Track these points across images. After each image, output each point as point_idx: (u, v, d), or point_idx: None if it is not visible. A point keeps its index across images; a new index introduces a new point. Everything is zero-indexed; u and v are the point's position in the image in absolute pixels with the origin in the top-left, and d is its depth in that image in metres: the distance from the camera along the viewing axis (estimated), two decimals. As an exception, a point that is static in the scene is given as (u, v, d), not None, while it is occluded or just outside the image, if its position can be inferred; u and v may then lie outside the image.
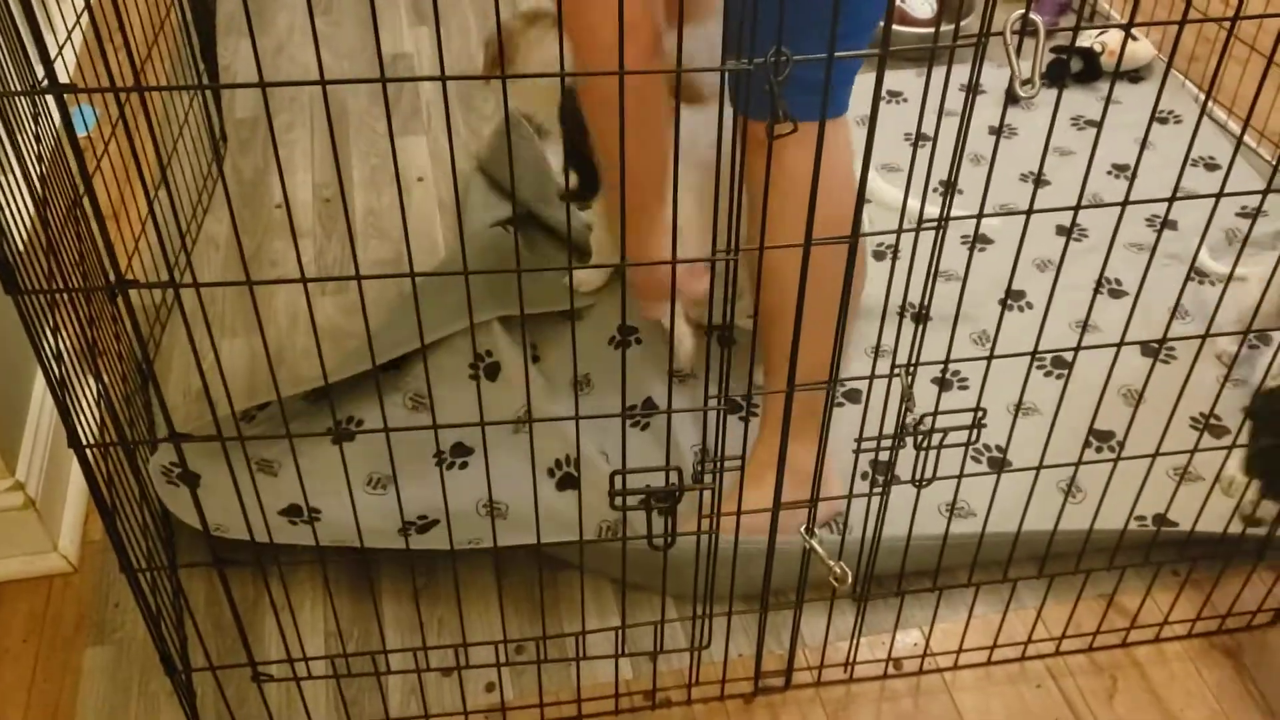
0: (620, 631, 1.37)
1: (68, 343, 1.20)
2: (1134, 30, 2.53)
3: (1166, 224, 1.18)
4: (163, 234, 0.98)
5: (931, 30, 2.59)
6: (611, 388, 1.79)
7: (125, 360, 1.60)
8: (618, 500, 1.12)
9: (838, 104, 1.37)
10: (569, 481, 1.61)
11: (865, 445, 1.19)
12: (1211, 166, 2.27)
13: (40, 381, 1.65)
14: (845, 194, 1.41)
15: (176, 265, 1.77)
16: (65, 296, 1.26)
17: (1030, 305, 1.94)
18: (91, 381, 1.33)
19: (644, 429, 1.74)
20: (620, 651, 1.43)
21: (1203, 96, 2.43)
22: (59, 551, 1.55)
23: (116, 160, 1.71)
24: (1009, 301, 1.91)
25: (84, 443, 1.04)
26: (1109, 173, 2.25)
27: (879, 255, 2.02)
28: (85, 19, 2.17)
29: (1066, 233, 2.08)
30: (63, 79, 0.86)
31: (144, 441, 1.55)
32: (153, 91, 0.83)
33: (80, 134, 1.18)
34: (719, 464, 1.17)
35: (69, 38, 1.42)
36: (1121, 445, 1.37)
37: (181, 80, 2.31)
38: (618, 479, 1.11)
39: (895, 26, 2.53)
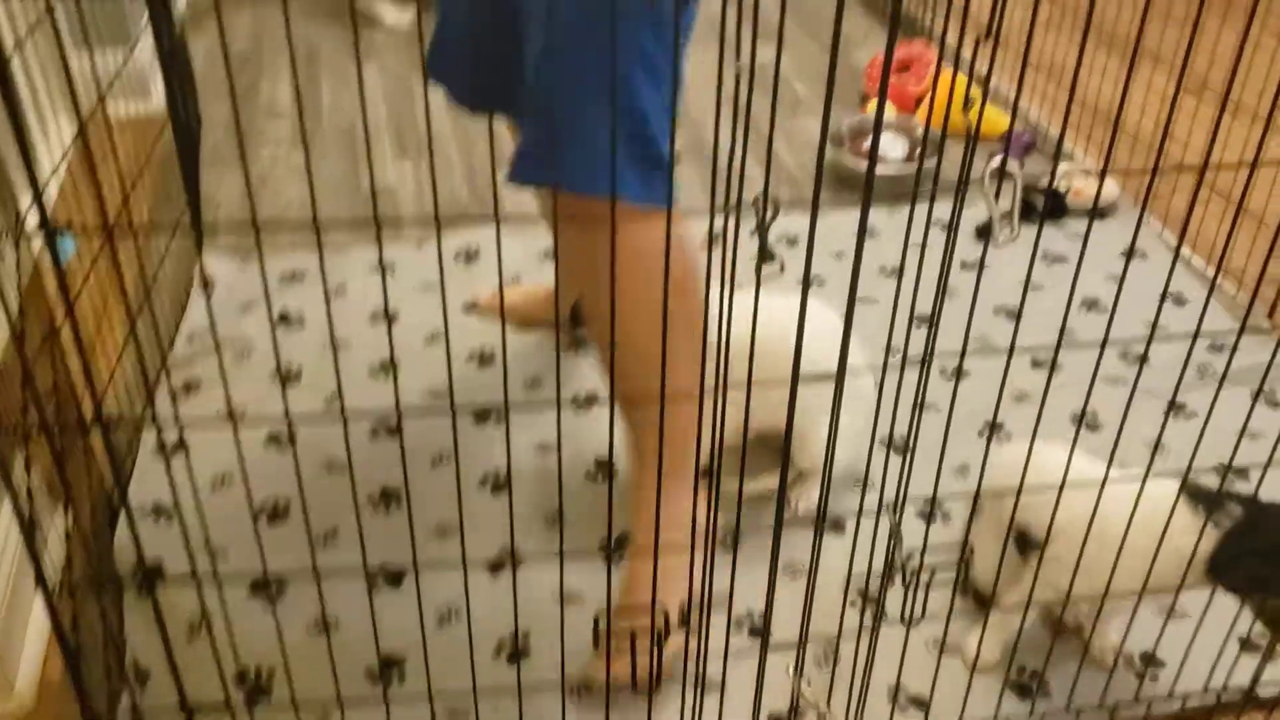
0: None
1: (39, 479, 1.18)
2: (1098, 169, 2.61)
3: (1141, 360, 1.19)
4: (147, 372, 0.96)
5: (901, 172, 2.65)
6: (585, 523, 1.77)
7: (94, 495, 1.57)
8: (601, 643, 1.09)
9: (648, 191, 1.33)
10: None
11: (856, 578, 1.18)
12: (1179, 301, 2.32)
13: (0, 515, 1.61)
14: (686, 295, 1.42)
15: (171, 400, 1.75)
16: (37, 430, 1.23)
17: (1009, 438, 1.94)
18: (58, 517, 1.30)
19: (620, 561, 1.71)
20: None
21: (1165, 231, 2.50)
22: (15, 692, 1.49)
23: (95, 291, 1.71)
24: (988, 434, 1.92)
25: (50, 584, 1.01)
26: (1080, 307, 2.28)
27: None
28: (67, 148, 2.19)
29: (1044, 366, 2.11)
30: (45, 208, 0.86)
31: (113, 582, 1.51)
32: (144, 232, 0.83)
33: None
34: (706, 605, 1.15)
35: (55, 171, 1.43)
36: (1108, 582, 1.35)
37: (165, 213, 2.33)
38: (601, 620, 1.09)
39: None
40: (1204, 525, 1.28)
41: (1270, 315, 2.23)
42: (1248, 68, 1.07)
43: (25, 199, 1.74)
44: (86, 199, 1.89)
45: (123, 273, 0.95)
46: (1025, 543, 1.45)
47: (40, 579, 0.98)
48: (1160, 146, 1.04)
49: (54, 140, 2.24)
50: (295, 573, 1.59)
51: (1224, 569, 1.29)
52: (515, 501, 1.80)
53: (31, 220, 0.84)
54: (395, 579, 1.66)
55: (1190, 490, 1.32)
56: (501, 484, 1.83)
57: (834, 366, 1.10)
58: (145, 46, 2.42)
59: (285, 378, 2.04)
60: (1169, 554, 1.29)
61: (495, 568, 1.69)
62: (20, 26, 2.22)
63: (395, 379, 0.89)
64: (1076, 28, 3.03)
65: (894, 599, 1.20)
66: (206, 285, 2.25)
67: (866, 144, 2.77)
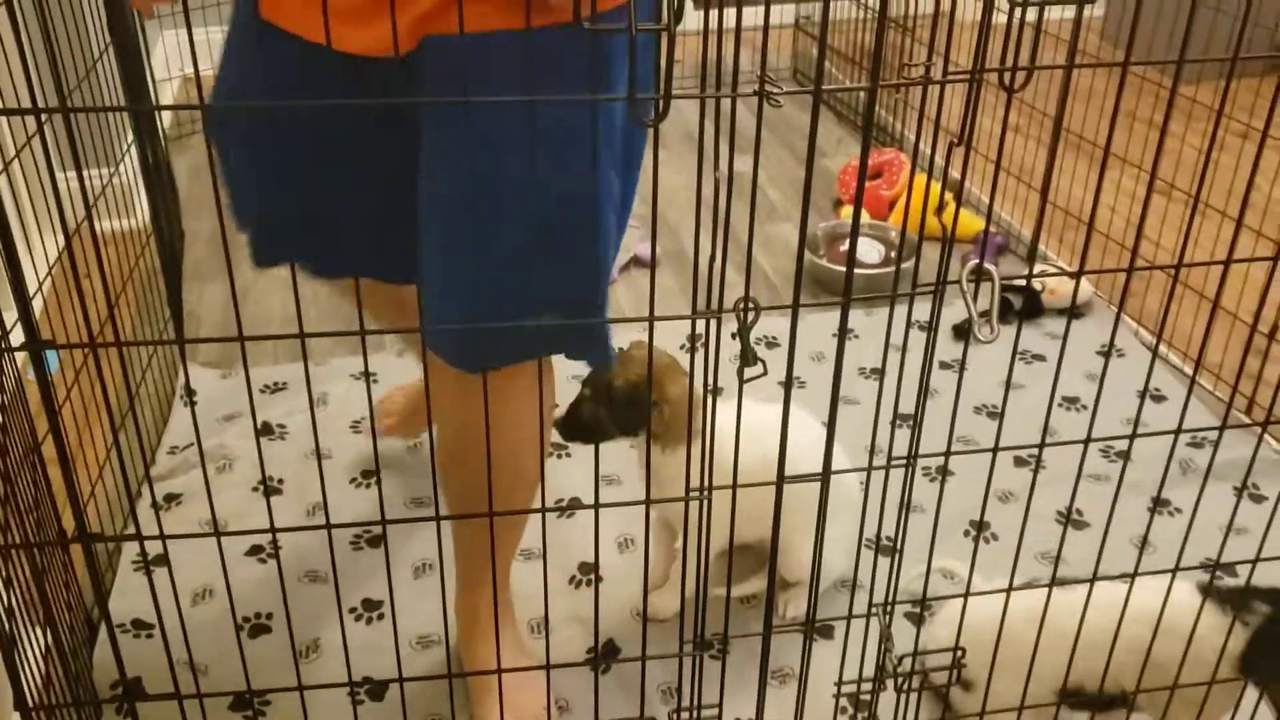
0: None
1: (18, 595, 1.16)
2: (1069, 267, 2.66)
3: (1123, 456, 1.20)
4: (130, 484, 0.96)
5: (878, 272, 2.70)
6: (569, 630, 1.75)
7: (74, 610, 1.54)
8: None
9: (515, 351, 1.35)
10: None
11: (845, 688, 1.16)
12: (1157, 397, 2.34)
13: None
14: (528, 453, 1.42)
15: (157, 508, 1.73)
16: (18, 547, 1.22)
17: (995, 537, 1.94)
18: (38, 634, 1.28)
19: (605, 671, 1.69)
20: None
21: (1141, 330, 2.53)
22: (-12, 820, 1.45)
23: (77, 404, 1.70)
24: (974, 534, 1.91)
25: (30, 704, 0.98)
26: (1060, 405, 2.30)
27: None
28: (51, 265, 2.21)
29: (1027, 465, 2.12)
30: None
31: (92, 702, 1.47)
32: (129, 346, 0.83)
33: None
34: (695, 711, 1.13)
35: (40, 288, 1.44)
36: (1100, 688, 1.34)
37: (148, 326, 2.34)
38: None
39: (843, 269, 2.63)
40: (1232, 623, 1.29)
41: (1248, 411, 2.25)
42: (1214, 168, 1.10)
43: (7, 313, 1.75)
44: (70, 313, 1.90)
45: (106, 386, 0.96)
46: (1095, 702, 1.41)
47: (19, 699, 0.96)
48: (1135, 246, 1.06)
49: (39, 255, 2.25)
50: (278, 687, 1.56)
51: (1257, 665, 1.31)
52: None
53: (17, 336, 0.84)
54: (379, 692, 1.63)
55: (1212, 589, 1.34)
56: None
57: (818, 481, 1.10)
58: (130, 164, 2.45)
59: (268, 489, 2.02)
60: (1201, 656, 1.31)
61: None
62: (9, 146, 2.25)
63: (380, 489, 0.90)
64: (1044, 132, 3.12)
65: (886, 702, 1.18)
66: (187, 397, 2.24)
67: (843, 248, 2.81)
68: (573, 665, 1.63)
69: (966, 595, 1.23)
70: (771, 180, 3.28)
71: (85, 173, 1.10)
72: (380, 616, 1.76)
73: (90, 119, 2.43)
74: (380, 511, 0.98)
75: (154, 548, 1.77)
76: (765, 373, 0.99)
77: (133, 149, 2.29)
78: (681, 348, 2.16)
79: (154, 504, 0.93)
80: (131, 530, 1.49)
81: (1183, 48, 0.95)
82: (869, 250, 2.75)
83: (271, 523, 0.98)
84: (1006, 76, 0.90)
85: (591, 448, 1.75)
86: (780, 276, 2.79)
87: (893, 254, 2.75)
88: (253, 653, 1.68)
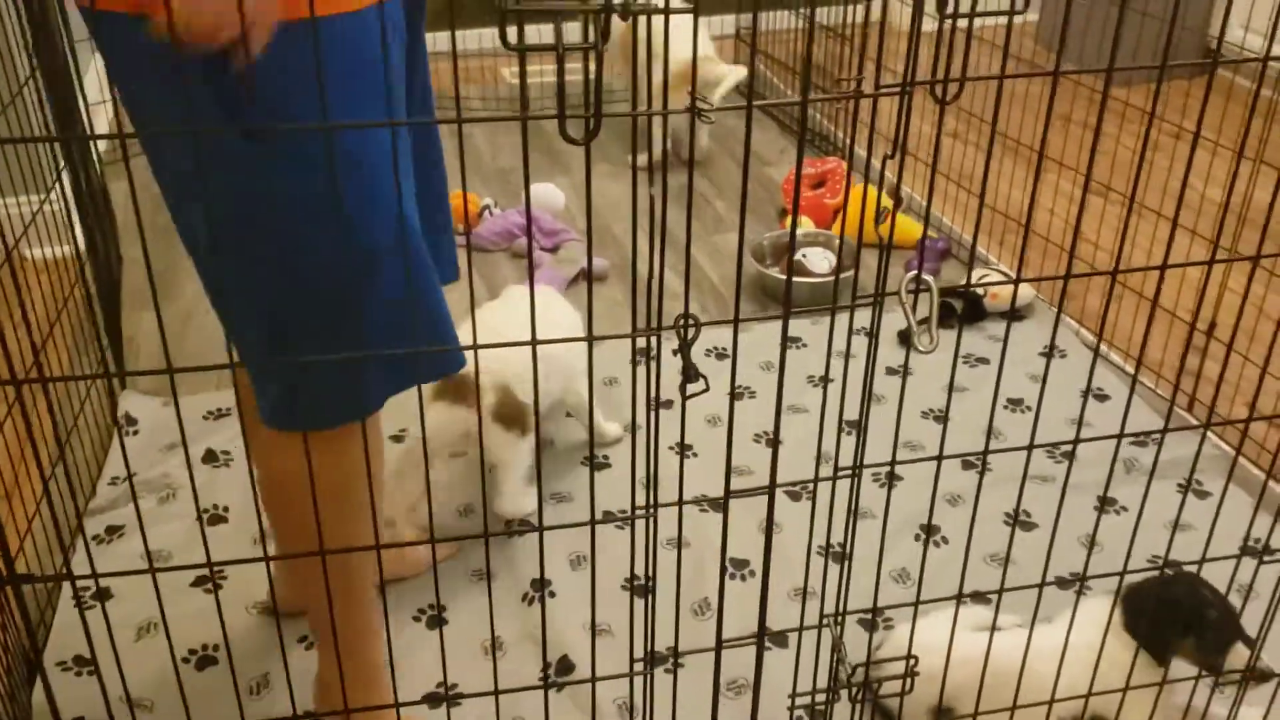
0: None
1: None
2: (1012, 271, 2.69)
3: (1069, 456, 1.20)
4: (60, 524, 0.93)
5: (823, 280, 2.70)
6: (522, 648, 1.73)
7: (12, 651, 1.50)
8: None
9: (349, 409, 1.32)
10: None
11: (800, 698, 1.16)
12: (1100, 396, 2.37)
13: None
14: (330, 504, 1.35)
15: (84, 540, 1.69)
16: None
17: (946, 540, 1.95)
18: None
19: (559, 690, 1.67)
20: None
21: (1082, 330, 2.56)
22: None
23: (12, 440, 1.66)
24: (925, 538, 1.92)
25: (-38, 752, 0.95)
26: (1005, 406, 2.32)
27: (794, 496, 2.03)
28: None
29: (974, 468, 2.13)
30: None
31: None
32: (57, 382, 0.81)
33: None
34: (650, 730, 1.12)
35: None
36: (1053, 688, 1.35)
37: (83, 358, 2.29)
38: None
39: (795, 279, 2.64)
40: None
41: (1189, 407, 2.28)
42: (1149, 169, 1.11)
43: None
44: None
45: (34, 428, 0.93)
46: None
47: (-52, 749, 0.93)
48: (1071, 250, 1.07)
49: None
50: (225, 722, 1.53)
51: (1138, 625, 1.41)
52: (451, 631, 1.76)
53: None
54: (330, 723, 1.60)
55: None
56: (436, 616, 1.79)
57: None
58: (62, 191, 2.40)
59: (213, 518, 1.98)
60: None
61: (433, 704, 1.64)
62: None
63: (320, 514, 0.88)
64: (981, 137, 3.15)
65: (841, 712, 1.18)
66: (123, 427, 2.20)
67: (796, 258, 2.82)
68: (525, 690, 1.61)
69: (918, 602, 1.23)
70: (718, 192, 3.29)
71: (4, 201, 1.08)
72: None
73: (16, 144, 2.38)
74: (319, 542, 0.96)
75: (93, 585, 1.73)
76: (707, 389, 0.99)
77: (64, 174, 2.24)
78: (630, 362, 2.16)
79: (85, 542, 0.91)
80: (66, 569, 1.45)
81: (1112, 56, 0.96)
82: (820, 259, 2.76)
83: (208, 556, 0.96)
84: (938, 88, 0.90)
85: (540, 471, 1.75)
86: (728, 287, 2.79)
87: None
88: (202, 686, 1.65)
